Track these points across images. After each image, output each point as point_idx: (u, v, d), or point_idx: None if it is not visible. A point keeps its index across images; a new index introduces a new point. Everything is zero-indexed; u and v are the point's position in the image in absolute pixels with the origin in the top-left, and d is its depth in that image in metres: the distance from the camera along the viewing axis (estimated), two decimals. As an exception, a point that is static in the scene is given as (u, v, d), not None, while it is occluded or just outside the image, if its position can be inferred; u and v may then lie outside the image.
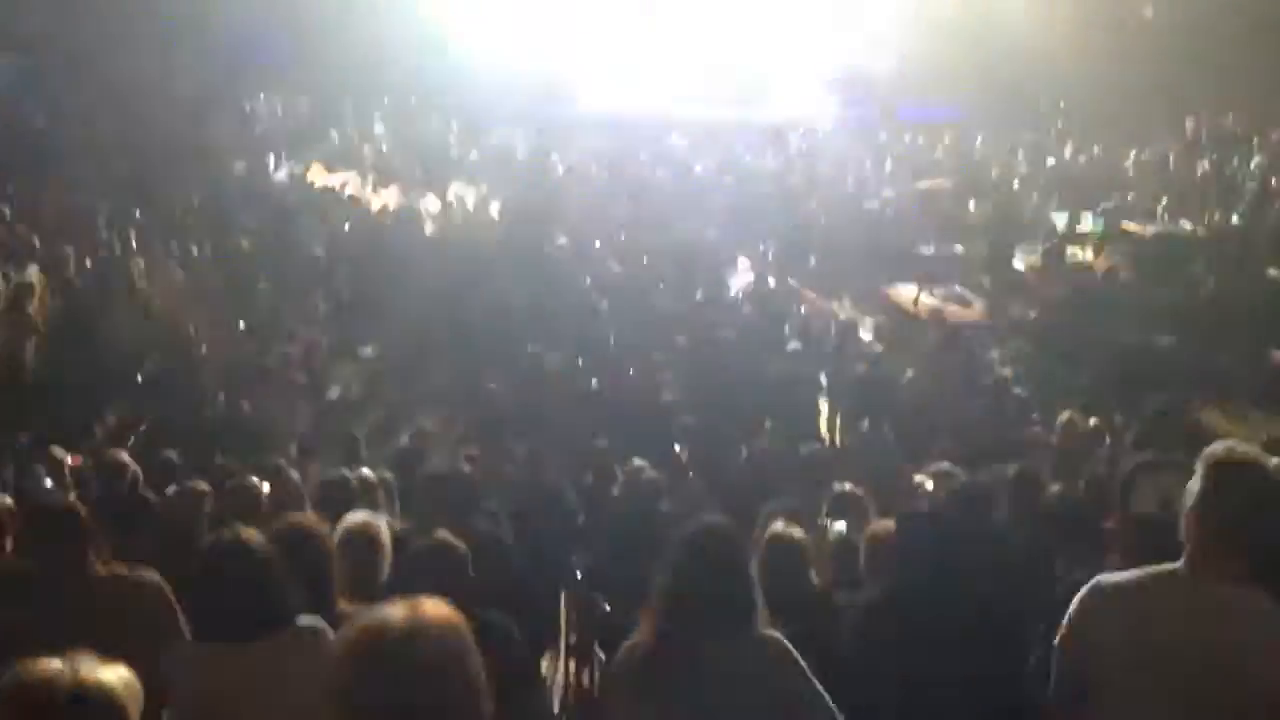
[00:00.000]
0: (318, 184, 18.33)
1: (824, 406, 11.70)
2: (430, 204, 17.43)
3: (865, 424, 10.51)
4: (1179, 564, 3.00)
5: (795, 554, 4.66)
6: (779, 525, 4.78)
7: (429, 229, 16.05)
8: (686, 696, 3.37)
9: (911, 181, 19.61)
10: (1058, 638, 3.12)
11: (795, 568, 4.61)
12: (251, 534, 3.60)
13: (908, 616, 3.90)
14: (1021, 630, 3.83)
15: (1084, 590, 3.08)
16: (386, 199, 17.42)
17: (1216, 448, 3.00)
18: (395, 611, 2.08)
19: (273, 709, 3.29)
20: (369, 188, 18.39)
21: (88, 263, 12.62)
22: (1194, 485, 2.98)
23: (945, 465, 6.73)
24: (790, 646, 3.39)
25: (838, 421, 11.46)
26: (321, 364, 11.91)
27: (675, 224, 17.04)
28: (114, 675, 2.24)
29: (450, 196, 17.75)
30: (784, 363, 11.34)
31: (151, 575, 4.31)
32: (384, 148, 21.55)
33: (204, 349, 10.84)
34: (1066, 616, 3.09)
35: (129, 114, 20.15)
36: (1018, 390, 10.41)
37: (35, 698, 2.16)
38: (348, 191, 18.07)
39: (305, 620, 3.47)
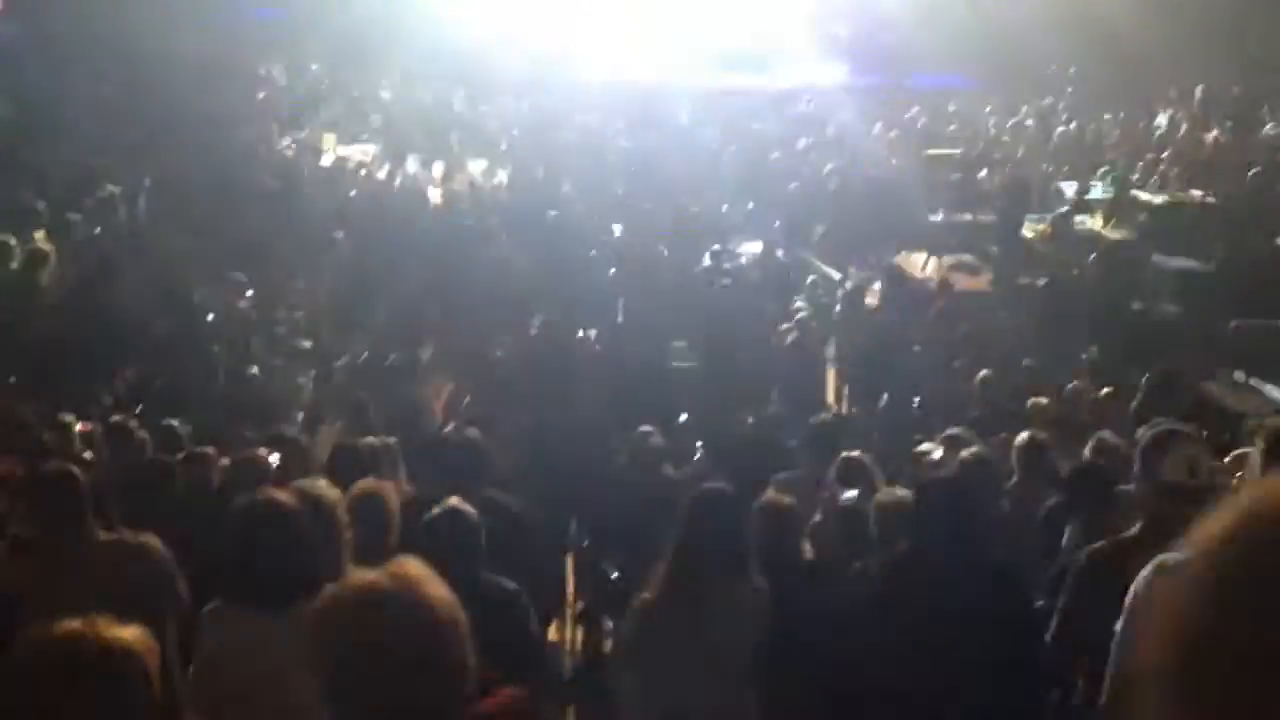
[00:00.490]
0: (324, 152, 18.27)
1: (831, 375, 11.74)
2: (435, 172, 17.38)
3: (872, 392, 10.51)
4: None
5: (787, 521, 4.69)
6: (771, 493, 4.82)
7: (434, 197, 16.02)
8: (692, 633, 4.02)
9: (920, 150, 19.52)
10: (1120, 623, 3.04)
11: (785, 535, 4.63)
12: (284, 497, 3.59)
13: (922, 582, 3.91)
14: (1031, 597, 3.85)
15: (1147, 571, 3.00)
16: (392, 168, 17.34)
17: (1277, 420, 2.97)
18: (369, 574, 2.11)
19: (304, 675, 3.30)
20: (374, 158, 18.29)
21: (96, 229, 12.60)
22: (1254, 457, 2.94)
23: (956, 430, 6.73)
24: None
25: (845, 390, 11.48)
26: (329, 331, 11.91)
27: (681, 192, 17.01)
28: (133, 634, 2.26)
29: (455, 165, 17.71)
30: (791, 332, 11.33)
31: (153, 540, 4.33)
32: (390, 115, 21.45)
33: (210, 316, 10.82)
34: (1129, 598, 3.00)
35: (135, 79, 20.07)
36: (1026, 361, 10.40)
37: (58, 657, 2.17)
38: (354, 160, 18.01)
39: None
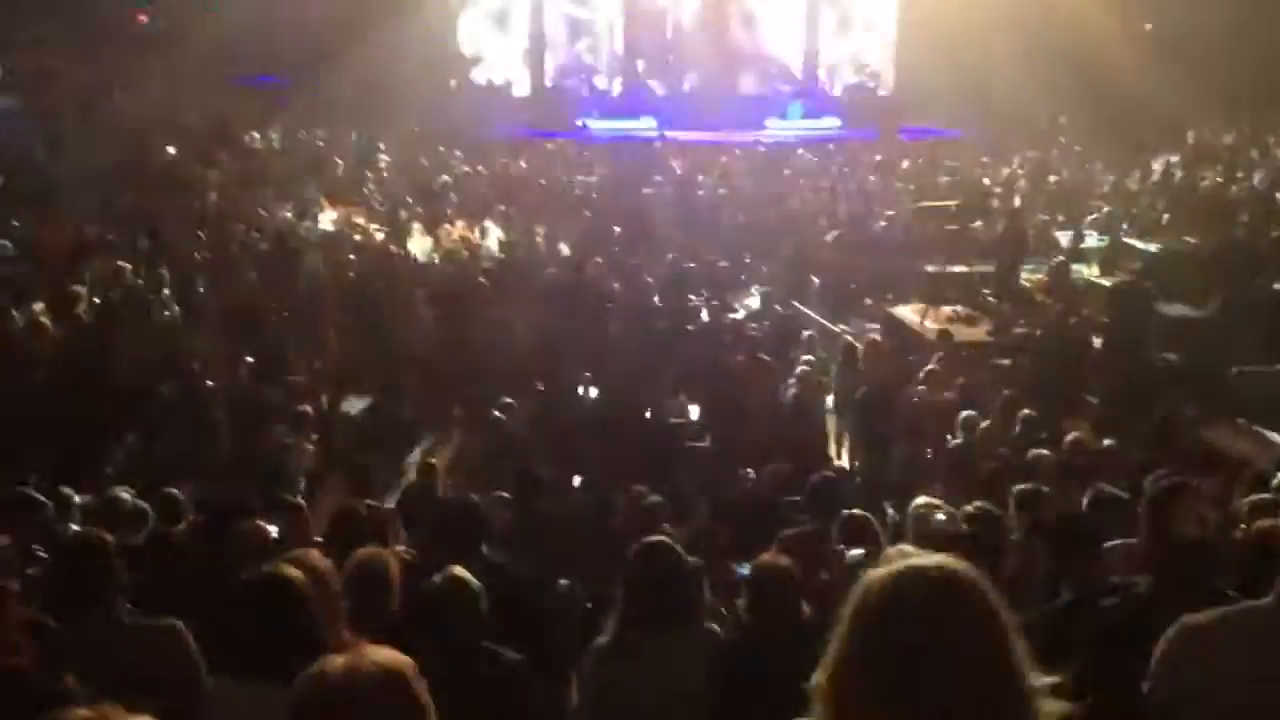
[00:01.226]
0: (323, 218, 18.33)
1: (832, 428, 11.73)
2: (433, 237, 17.43)
3: (871, 445, 10.50)
4: (1269, 599, 2.89)
5: (782, 582, 4.63)
6: (766, 555, 4.77)
7: (433, 260, 16.07)
8: (634, 685, 4.19)
9: (914, 200, 19.64)
10: (1149, 683, 3.00)
11: (783, 596, 4.58)
12: (290, 570, 3.59)
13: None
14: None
15: (1170, 633, 2.97)
16: (389, 233, 17.38)
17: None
18: (333, 662, 2.11)
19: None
20: (372, 223, 18.35)
21: (94, 298, 12.63)
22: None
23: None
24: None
25: (845, 444, 11.46)
26: (330, 396, 11.91)
27: (678, 246, 17.10)
28: None
29: (452, 229, 17.81)
30: (791, 386, 11.34)
31: (178, 625, 4.29)
32: (386, 179, 21.59)
33: (209, 382, 10.81)
34: (1156, 660, 2.97)
35: (133, 147, 20.22)
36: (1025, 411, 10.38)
37: None
38: (351, 223, 18.09)
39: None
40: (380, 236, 17.16)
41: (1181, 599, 2.98)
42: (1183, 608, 2.96)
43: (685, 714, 4.22)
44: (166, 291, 13.12)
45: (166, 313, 12.50)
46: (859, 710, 1.82)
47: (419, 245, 16.91)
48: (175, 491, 7.42)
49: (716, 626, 4.38)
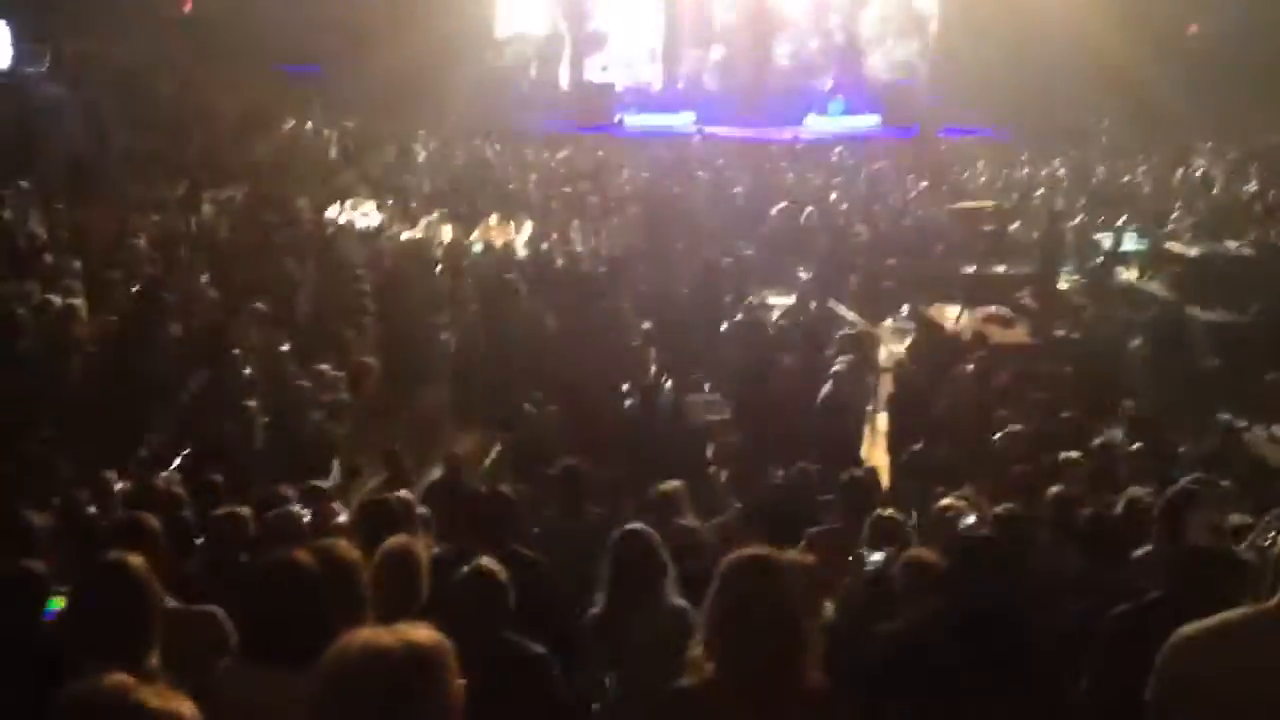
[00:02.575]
0: (360, 213, 18.29)
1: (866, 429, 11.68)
2: (471, 233, 17.37)
3: (905, 444, 10.44)
4: (1268, 604, 2.84)
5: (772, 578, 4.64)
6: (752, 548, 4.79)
7: (466, 255, 16.00)
8: (626, 645, 4.79)
9: (953, 200, 19.52)
10: (1148, 694, 2.97)
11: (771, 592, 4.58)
12: (303, 556, 3.62)
13: (945, 644, 3.86)
14: (1058, 662, 3.79)
15: (1170, 642, 2.93)
16: (425, 228, 17.34)
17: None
18: (363, 634, 2.17)
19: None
20: (408, 219, 18.27)
21: (132, 285, 12.74)
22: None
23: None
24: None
25: (877, 444, 11.42)
26: (373, 386, 11.94)
27: (713, 241, 17.06)
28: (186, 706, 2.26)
29: (489, 225, 17.76)
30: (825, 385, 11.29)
31: (218, 613, 4.34)
32: (425, 174, 21.57)
33: (247, 369, 10.88)
34: (1155, 671, 2.94)
35: (173, 133, 20.42)
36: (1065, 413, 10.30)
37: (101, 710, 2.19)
38: (386, 217, 18.10)
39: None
40: (417, 232, 17.14)
41: (1194, 608, 2.94)
42: (1195, 616, 2.92)
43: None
44: (205, 278, 13.26)
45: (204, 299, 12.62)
46: None
47: (455, 239, 16.88)
48: (217, 478, 7.48)
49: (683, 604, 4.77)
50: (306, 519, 6.04)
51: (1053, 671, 3.88)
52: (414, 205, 19.04)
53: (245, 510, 6.11)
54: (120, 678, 2.22)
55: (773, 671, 2.96)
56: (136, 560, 3.62)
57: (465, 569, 4.38)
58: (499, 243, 16.50)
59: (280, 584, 3.56)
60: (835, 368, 11.66)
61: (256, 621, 3.63)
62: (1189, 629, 2.91)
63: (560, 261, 15.42)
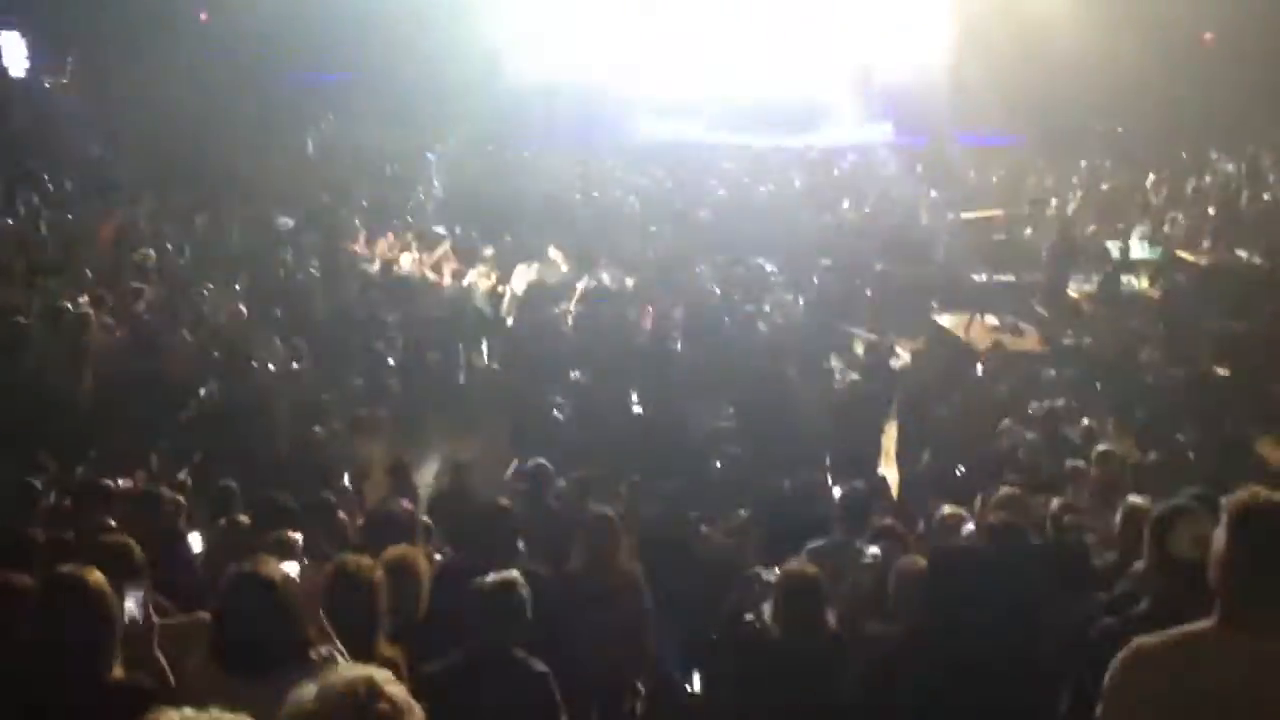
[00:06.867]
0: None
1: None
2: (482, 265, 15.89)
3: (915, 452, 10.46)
4: (1213, 620, 2.87)
5: (812, 590, 4.67)
6: (794, 562, 4.82)
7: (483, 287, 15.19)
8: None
9: (965, 208, 19.50)
10: (1100, 706, 2.98)
11: (811, 604, 4.62)
12: (270, 566, 3.66)
13: (933, 655, 3.89)
14: (1046, 672, 3.82)
15: (1122, 654, 2.95)
16: (436, 254, 16.44)
17: (1241, 494, 2.91)
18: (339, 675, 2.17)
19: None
20: (421, 251, 16.44)
21: (148, 294, 12.81)
22: (1219, 534, 2.88)
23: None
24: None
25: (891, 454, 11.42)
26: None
27: (725, 250, 17.02)
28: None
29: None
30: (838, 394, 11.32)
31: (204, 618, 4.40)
32: (437, 198, 20.98)
33: (266, 381, 10.92)
34: (1106, 681, 2.96)
35: (190, 144, 20.52)
36: (1085, 420, 10.29)
37: None
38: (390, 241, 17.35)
39: (323, 652, 3.52)
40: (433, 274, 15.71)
41: (1178, 621, 2.96)
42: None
43: None
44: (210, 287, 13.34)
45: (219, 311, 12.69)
46: None
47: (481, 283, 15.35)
48: (232, 484, 7.51)
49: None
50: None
51: (1039, 686, 3.90)
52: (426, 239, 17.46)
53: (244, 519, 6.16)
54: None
55: None
56: (96, 576, 3.61)
57: (489, 580, 4.42)
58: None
59: (244, 595, 3.59)
60: (846, 378, 11.70)
61: (225, 631, 3.65)
62: (1143, 641, 2.94)
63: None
